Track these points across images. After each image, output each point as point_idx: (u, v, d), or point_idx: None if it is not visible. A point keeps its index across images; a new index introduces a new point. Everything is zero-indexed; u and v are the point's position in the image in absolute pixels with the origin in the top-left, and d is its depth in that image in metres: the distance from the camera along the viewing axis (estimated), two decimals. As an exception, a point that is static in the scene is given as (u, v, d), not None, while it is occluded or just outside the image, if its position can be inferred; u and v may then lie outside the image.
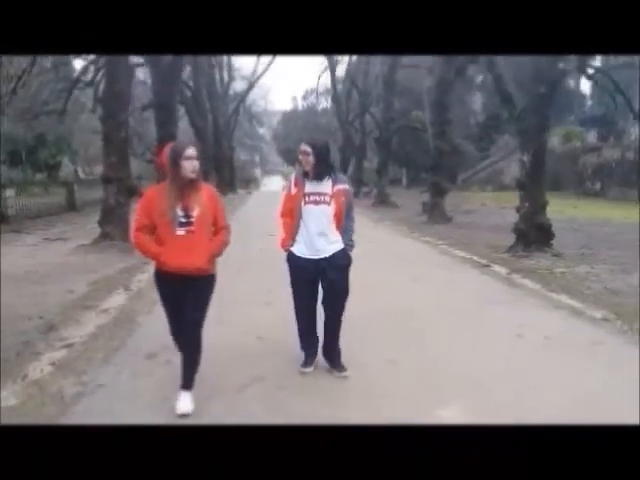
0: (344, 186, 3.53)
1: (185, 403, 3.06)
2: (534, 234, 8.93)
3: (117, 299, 5.67)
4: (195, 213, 3.03)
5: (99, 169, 27.44)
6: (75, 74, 18.37)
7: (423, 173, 27.87)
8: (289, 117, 53.13)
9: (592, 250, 9.57)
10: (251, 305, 5.13)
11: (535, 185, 9.17)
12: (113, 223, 8.58)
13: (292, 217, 3.52)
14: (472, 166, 32.26)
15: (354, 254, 3.71)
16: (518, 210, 9.28)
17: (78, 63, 19.84)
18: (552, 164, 28.83)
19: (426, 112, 16.32)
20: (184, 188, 3.01)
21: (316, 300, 3.60)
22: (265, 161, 70.70)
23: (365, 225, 13.73)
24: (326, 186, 3.47)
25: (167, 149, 3.05)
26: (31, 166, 25.98)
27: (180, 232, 3.00)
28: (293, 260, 3.54)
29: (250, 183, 47.28)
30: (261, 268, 7.27)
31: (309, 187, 3.47)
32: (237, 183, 32.29)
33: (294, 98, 56.12)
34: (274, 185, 52.28)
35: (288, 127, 52.64)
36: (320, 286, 3.58)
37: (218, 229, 3.19)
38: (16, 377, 3.58)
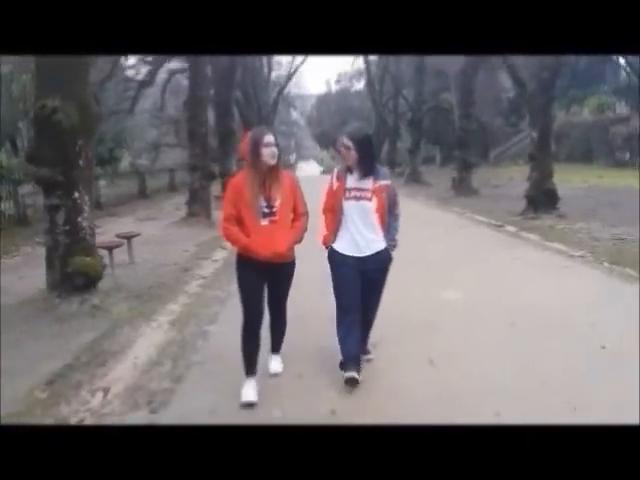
0: (386, 182, 3.36)
1: (276, 364, 3.53)
2: (542, 199, 10.66)
3: (220, 254, 7.85)
4: (277, 203, 3.05)
5: (144, 161, 30.07)
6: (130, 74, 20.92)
7: (456, 151, 29.34)
8: (323, 101, 54.35)
9: (594, 211, 11.21)
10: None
11: (543, 157, 10.87)
12: (198, 203, 10.83)
13: (334, 213, 3.38)
14: (505, 142, 33.41)
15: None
16: (528, 179, 11.00)
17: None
18: (584, 135, 29.73)
19: (453, 95, 17.93)
20: (265, 177, 3.04)
21: (359, 298, 3.39)
22: (299, 146, 71.97)
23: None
24: (367, 181, 3.32)
25: (247, 137, 3.07)
26: (92, 161, 28.81)
27: (264, 222, 3.04)
28: (336, 257, 3.39)
29: (287, 168, 49.09)
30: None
31: (350, 182, 3.33)
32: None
33: (327, 82, 57.35)
34: (310, 169, 54.29)
35: (321, 111, 54.19)
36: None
37: (297, 216, 3.21)
38: (179, 292, 5.76)
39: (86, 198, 5.19)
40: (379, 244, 3.36)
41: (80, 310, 4.80)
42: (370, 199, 3.30)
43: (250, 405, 3.05)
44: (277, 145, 3.05)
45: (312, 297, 4.75)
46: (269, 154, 3.00)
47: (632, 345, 3.77)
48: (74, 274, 4.87)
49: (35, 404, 3.17)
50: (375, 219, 3.33)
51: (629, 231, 8.84)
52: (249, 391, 3.12)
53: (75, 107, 4.98)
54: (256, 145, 3.00)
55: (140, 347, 4.12)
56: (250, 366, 3.19)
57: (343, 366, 3.31)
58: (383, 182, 3.34)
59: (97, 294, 5.11)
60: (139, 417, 2.97)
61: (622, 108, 32.64)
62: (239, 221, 3.08)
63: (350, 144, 3.24)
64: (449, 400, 3.09)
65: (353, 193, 3.30)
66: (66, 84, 5.01)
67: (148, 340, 4.28)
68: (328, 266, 3.44)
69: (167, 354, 3.94)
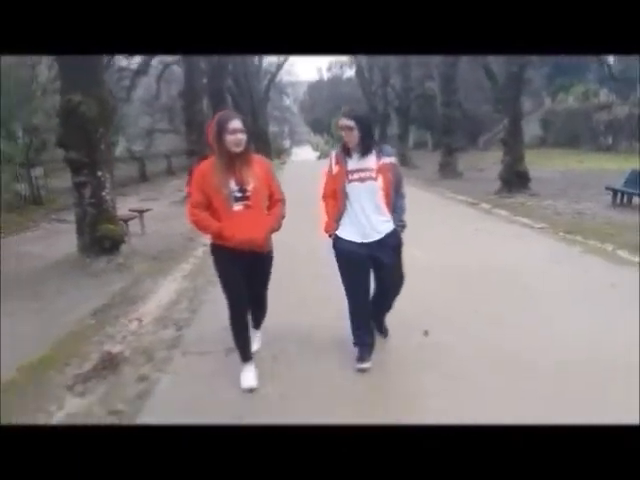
0: (390, 159, 3.19)
1: (255, 340, 3.54)
2: (514, 180, 11.62)
3: (220, 227, 8.77)
4: (250, 187, 2.90)
5: (138, 147, 30.76)
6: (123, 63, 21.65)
7: (442, 137, 30.32)
8: (314, 87, 54.96)
9: (564, 191, 12.19)
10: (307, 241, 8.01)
11: (515, 142, 11.82)
12: (197, 184, 11.68)
13: (335, 198, 3.22)
14: (493, 128, 34.35)
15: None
16: (502, 162, 11.95)
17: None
18: (569, 122, 30.72)
19: (436, 83, 18.76)
20: (234, 162, 2.86)
21: (369, 286, 3.34)
22: (293, 132, 72.45)
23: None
24: (370, 160, 3.14)
25: (213, 122, 2.88)
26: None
27: (237, 207, 2.88)
28: (341, 245, 3.23)
29: (282, 154, 49.85)
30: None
31: (352, 164, 3.15)
32: (272, 155, 35.16)
33: (319, 69, 57.80)
34: (305, 154, 55.24)
35: (314, 97, 54.82)
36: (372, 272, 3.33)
37: (274, 202, 3.09)
38: (189, 255, 6.68)
39: (108, 176, 6.09)
40: (387, 225, 3.24)
41: (108, 267, 5.73)
42: (375, 178, 3.13)
43: (251, 390, 3.06)
44: (244, 132, 2.84)
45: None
46: (233, 141, 2.81)
47: (553, 287, 4.85)
48: (102, 238, 5.78)
49: (86, 328, 4.11)
50: (381, 199, 3.18)
51: (589, 206, 9.85)
52: (248, 376, 3.14)
53: (95, 101, 5.89)
54: (220, 132, 2.82)
55: (162, 293, 5.06)
56: (245, 353, 3.20)
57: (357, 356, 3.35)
58: (387, 160, 3.18)
59: (120, 255, 6.03)
60: (169, 334, 3.92)
61: (606, 95, 33.68)
62: (210, 208, 2.91)
63: (352, 123, 3.07)
64: (397, 319, 4.03)
65: (357, 175, 3.13)
66: (85, 82, 5.93)
67: (167, 288, 5.21)
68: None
69: (184, 296, 4.88)
